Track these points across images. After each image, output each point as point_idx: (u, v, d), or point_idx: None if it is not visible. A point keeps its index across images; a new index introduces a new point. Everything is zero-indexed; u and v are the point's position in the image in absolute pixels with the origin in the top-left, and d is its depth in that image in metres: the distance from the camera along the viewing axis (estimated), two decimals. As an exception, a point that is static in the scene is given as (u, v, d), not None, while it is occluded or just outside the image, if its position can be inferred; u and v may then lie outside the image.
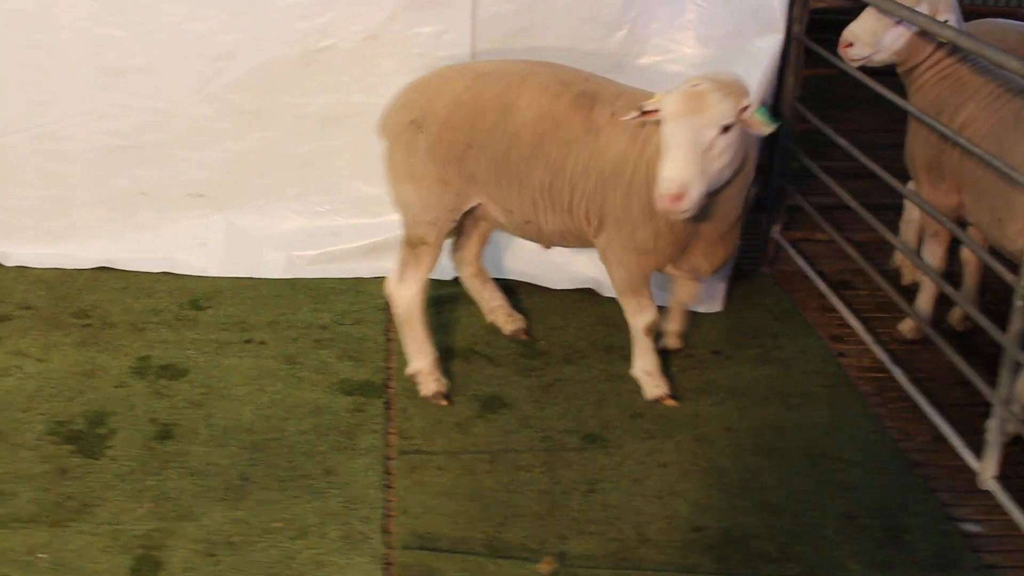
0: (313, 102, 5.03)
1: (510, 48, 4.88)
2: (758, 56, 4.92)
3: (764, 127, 3.56)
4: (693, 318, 4.79)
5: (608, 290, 4.91)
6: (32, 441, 3.96)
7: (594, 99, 3.97)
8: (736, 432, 4.16)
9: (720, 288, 5.00)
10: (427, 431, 4.09)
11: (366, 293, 4.99)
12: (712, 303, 5.01)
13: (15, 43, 4.94)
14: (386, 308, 4.58)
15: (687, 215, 3.46)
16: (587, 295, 5.01)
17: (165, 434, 4.04)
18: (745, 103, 3.51)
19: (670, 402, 4.25)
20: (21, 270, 5.16)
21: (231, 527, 3.57)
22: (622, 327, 4.34)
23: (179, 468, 3.86)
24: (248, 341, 4.65)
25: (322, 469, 3.87)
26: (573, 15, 4.93)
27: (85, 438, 3.98)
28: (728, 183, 3.68)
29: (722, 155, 3.49)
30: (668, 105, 3.51)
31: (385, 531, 3.58)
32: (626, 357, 4.41)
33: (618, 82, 4.17)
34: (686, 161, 3.41)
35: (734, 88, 3.55)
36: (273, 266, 5.19)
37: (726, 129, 3.46)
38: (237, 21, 4.90)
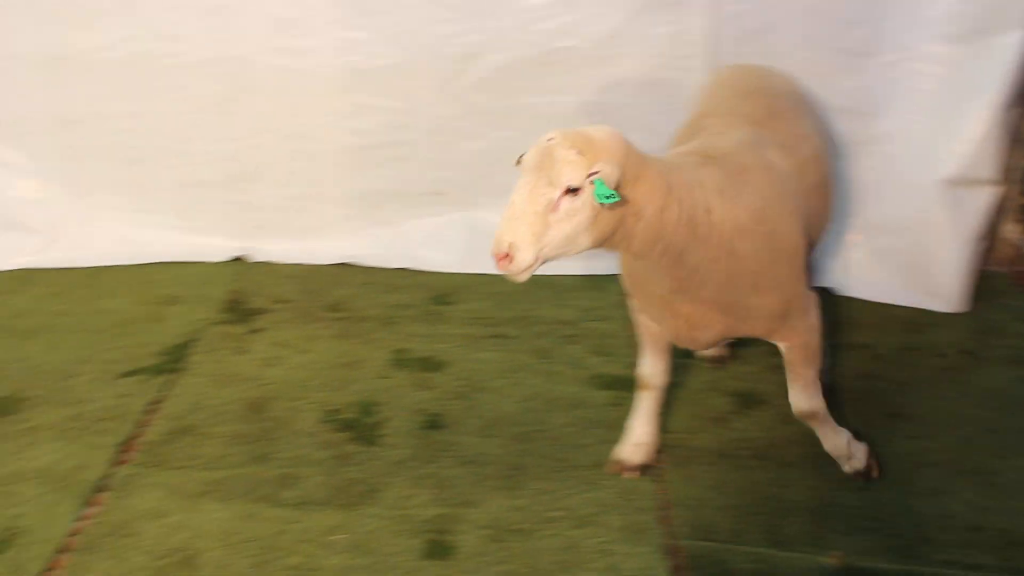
0: (552, 102, 5.19)
1: (747, 50, 4.95)
2: (1003, 52, 4.89)
3: (596, 200, 3.07)
4: (934, 317, 4.83)
5: (848, 289, 4.98)
6: (309, 428, 4.21)
7: None
8: (1000, 433, 4.16)
9: (955, 286, 4.99)
10: (688, 426, 4.20)
11: (607, 290, 5.12)
12: (948, 302, 5.01)
13: (266, 47, 5.24)
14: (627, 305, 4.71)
15: (522, 277, 3.10)
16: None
17: (434, 424, 4.24)
18: (596, 168, 3.06)
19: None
20: (269, 266, 5.47)
21: (513, 515, 3.74)
22: (871, 327, 4.39)
23: (453, 457, 4.05)
24: (497, 336, 4.83)
25: (591, 461, 4.01)
26: (814, 13, 4.97)
27: (359, 426, 4.21)
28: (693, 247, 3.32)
29: (569, 219, 3.06)
30: (525, 157, 3.20)
31: (663, 522, 3.71)
32: (878, 356, 4.45)
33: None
34: (516, 220, 3.07)
35: (595, 147, 3.10)
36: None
37: (572, 192, 3.08)
38: (480, 23, 5.09)
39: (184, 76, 5.30)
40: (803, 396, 3.77)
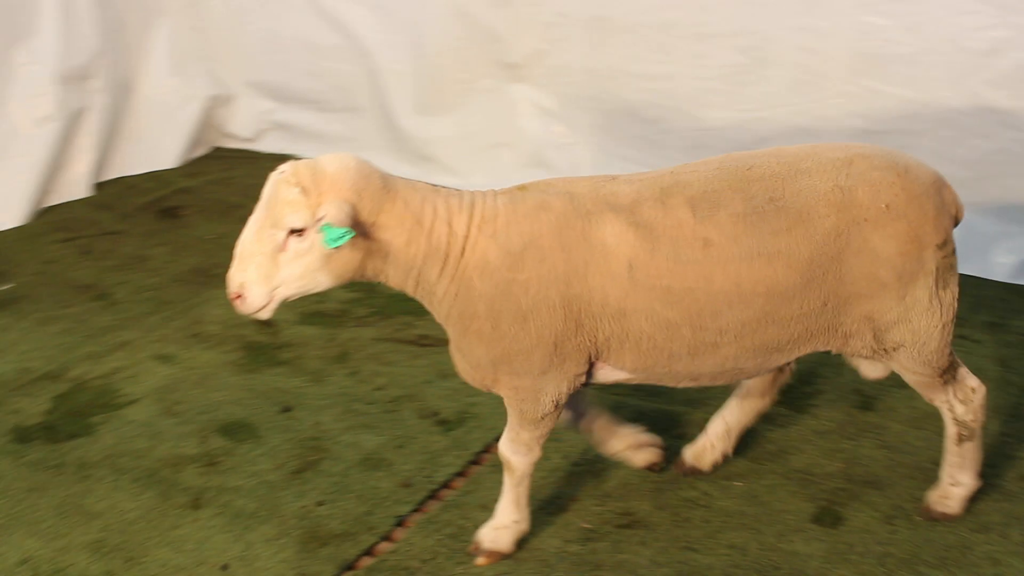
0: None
1: None
2: None
3: (324, 245, 3.04)
4: None
5: None
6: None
7: None
8: None
9: None
10: None
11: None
12: None
13: (789, 25, 5.59)
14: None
15: (261, 315, 3.14)
16: None
17: (865, 405, 4.44)
18: (321, 212, 3.00)
19: None
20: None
21: (913, 504, 3.87)
22: None
23: (874, 439, 4.25)
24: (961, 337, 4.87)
25: (1017, 473, 4.01)
26: None
27: (793, 392, 4.47)
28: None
29: (299, 260, 3.06)
30: (264, 189, 3.12)
31: (1071, 549, 3.66)
32: None
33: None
34: (246, 260, 3.09)
35: (321, 184, 3.04)
36: (999, 268, 5.36)
37: (298, 233, 3.03)
38: (1007, 18, 5.07)
39: (708, 45, 5.82)
40: (508, 446, 3.55)
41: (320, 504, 3.98)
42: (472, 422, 4.40)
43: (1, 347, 5.16)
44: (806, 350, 3.47)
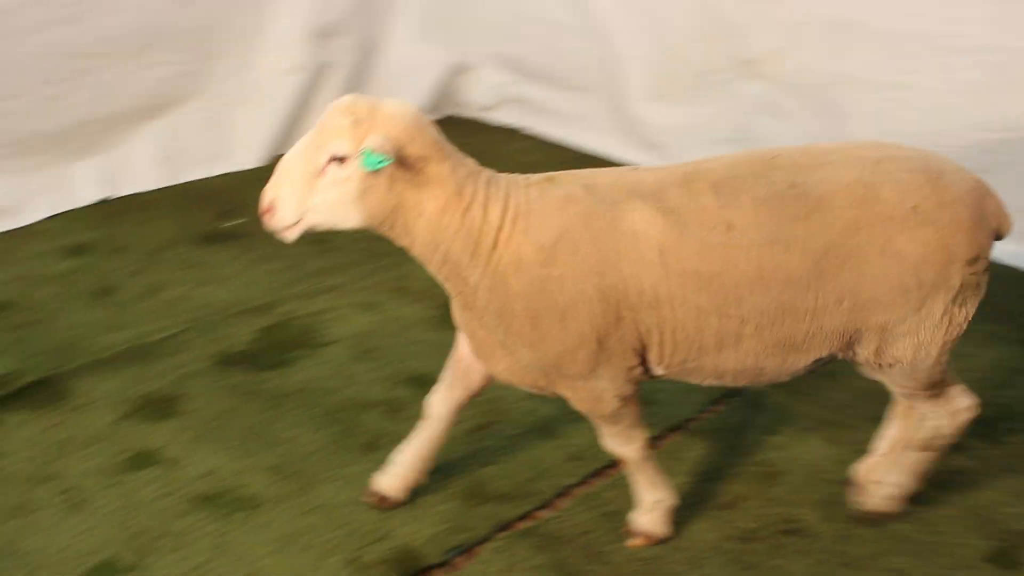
0: None
1: None
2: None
3: (362, 167, 3.00)
4: None
5: None
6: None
7: None
8: None
9: None
10: None
11: None
12: None
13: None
14: None
15: (287, 236, 3.15)
16: None
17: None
18: (370, 143, 2.95)
19: None
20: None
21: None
22: None
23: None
24: None
25: None
26: None
27: (986, 421, 4.27)
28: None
29: (335, 188, 3.05)
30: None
31: None
32: None
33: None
34: (284, 177, 3.09)
35: (376, 119, 3.03)
36: None
37: (340, 160, 3.02)
38: None
39: (955, 59, 5.59)
40: (607, 441, 3.56)
41: (488, 464, 4.08)
42: (654, 407, 4.38)
43: (221, 277, 5.51)
44: (822, 351, 3.35)
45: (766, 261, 3.16)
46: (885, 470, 3.73)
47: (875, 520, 3.74)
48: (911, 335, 3.29)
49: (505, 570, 3.57)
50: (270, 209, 3.13)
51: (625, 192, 3.21)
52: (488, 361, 3.44)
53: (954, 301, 3.25)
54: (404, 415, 4.24)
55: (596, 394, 3.37)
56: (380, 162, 2.96)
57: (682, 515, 3.78)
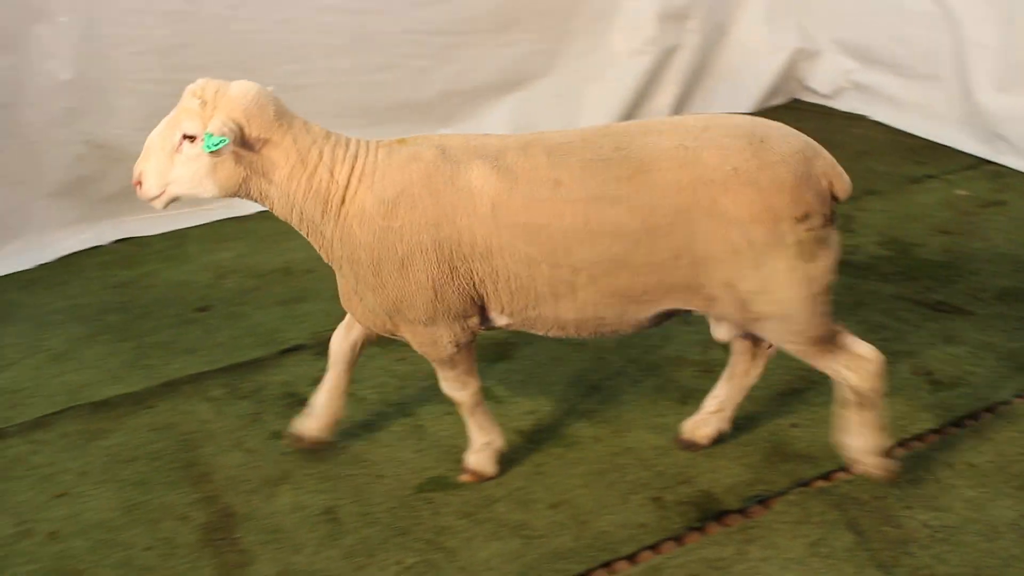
0: None
1: None
2: None
3: (204, 149, 3.39)
4: None
5: None
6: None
7: None
8: None
9: None
10: None
11: None
12: None
13: None
14: None
15: (155, 205, 3.54)
16: None
17: None
18: (210, 127, 3.35)
19: None
20: None
21: None
22: None
23: None
24: None
25: None
26: None
27: None
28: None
29: (189, 163, 3.44)
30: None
31: None
32: None
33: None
34: (149, 152, 3.49)
35: (220, 100, 3.40)
36: None
37: (191, 139, 3.41)
38: None
39: None
40: (443, 385, 3.91)
41: (793, 426, 4.28)
42: (964, 388, 4.45)
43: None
44: (667, 304, 3.55)
45: (592, 214, 3.39)
46: (850, 440, 3.82)
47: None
48: (763, 292, 3.43)
49: (798, 522, 3.77)
50: (138, 182, 3.52)
51: (470, 153, 3.51)
52: (348, 306, 3.82)
53: (799, 257, 3.38)
54: (715, 375, 4.48)
55: (433, 339, 3.68)
56: (218, 144, 3.34)
57: (982, 493, 3.84)
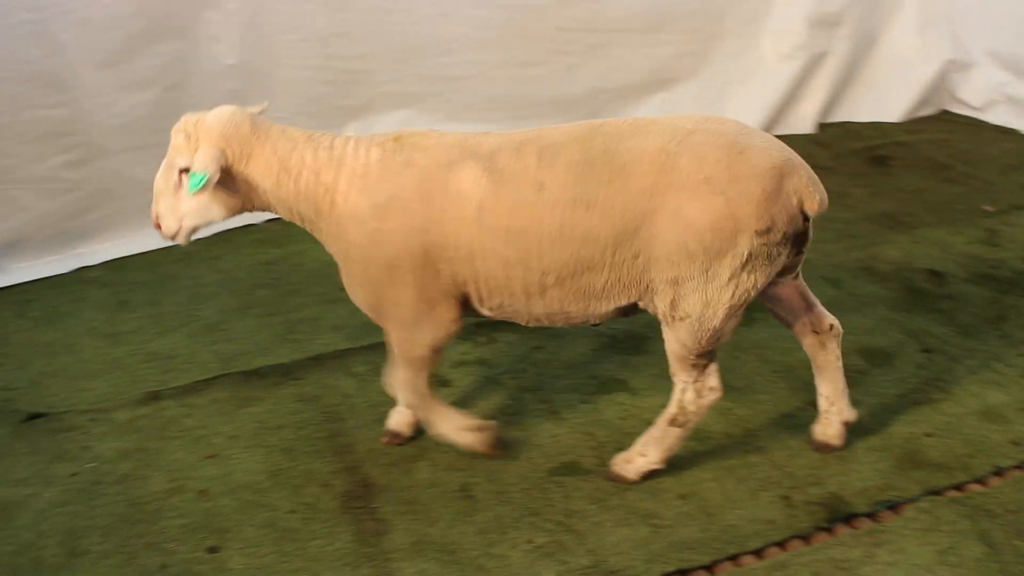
0: None
1: None
2: None
3: (190, 191, 3.60)
4: None
5: None
6: None
7: None
8: None
9: None
10: None
11: None
12: None
13: None
14: None
15: (178, 241, 3.80)
16: None
17: None
18: (195, 165, 3.58)
19: None
20: None
21: None
22: None
23: None
24: None
25: None
26: None
27: None
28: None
29: (193, 197, 3.66)
30: None
31: None
32: None
33: None
34: (159, 196, 3.73)
35: (199, 131, 3.63)
36: None
37: (187, 172, 3.62)
38: None
39: None
40: (398, 385, 4.07)
41: (928, 435, 4.27)
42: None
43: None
44: (625, 300, 3.70)
45: (567, 219, 3.53)
46: (647, 442, 4.01)
47: (618, 479, 4.06)
48: (699, 292, 3.56)
49: (928, 529, 3.76)
50: (157, 224, 3.77)
51: (464, 153, 3.64)
52: (349, 293, 3.96)
53: (743, 268, 3.51)
54: (850, 382, 4.48)
55: (412, 338, 3.86)
56: (199, 183, 3.55)
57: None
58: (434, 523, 3.90)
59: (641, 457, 4.02)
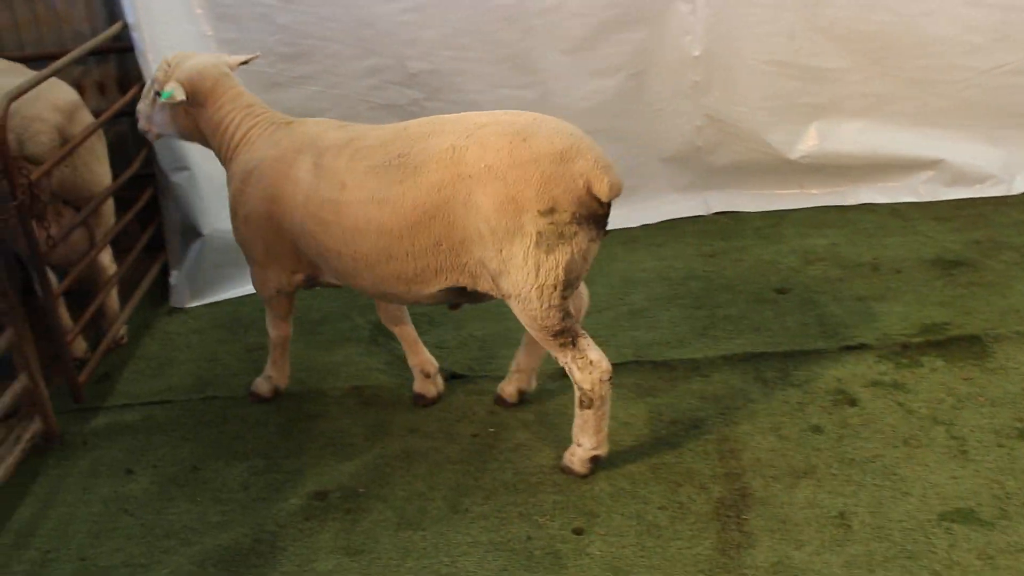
0: None
1: None
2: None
3: (159, 99, 4.63)
4: None
5: None
6: None
7: None
8: None
9: None
10: None
11: None
12: None
13: None
14: None
15: (148, 136, 4.93)
16: None
17: None
18: (167, 86, 4.56)
19: None
20: None
21: None
22: None
23: None
24: None
25: None
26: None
27: None
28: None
29: (161, 111, 4.72)
30: None
31: None
32: None
33: None
34: (143, 99, 4.83)
35: (176, 69, 4.61)
36: None
37: (159, 94, 4.61)
38: None
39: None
40: (267, 318, 4.89)
41: None
42: None
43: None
44: (444, 282, 4.07)
45: (362, 215, 4.04)
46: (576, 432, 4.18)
47: (570, 474, 4.20)
48: (505, 274, 3.88)
49: None
50: (138, 118, 4.84)
51: (311, 145, 4.29)
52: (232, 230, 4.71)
53: (537, 246, 3.78)
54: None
55: (263, 279, 4.66)
56: (167, 95, 4.50)
57: None
58: (800, 546, 3.75)
59: (579, 447, 4.17)
